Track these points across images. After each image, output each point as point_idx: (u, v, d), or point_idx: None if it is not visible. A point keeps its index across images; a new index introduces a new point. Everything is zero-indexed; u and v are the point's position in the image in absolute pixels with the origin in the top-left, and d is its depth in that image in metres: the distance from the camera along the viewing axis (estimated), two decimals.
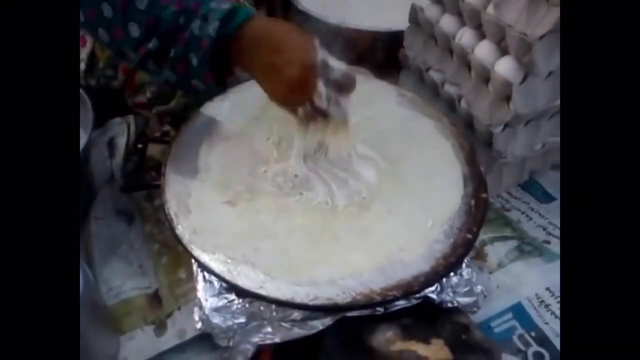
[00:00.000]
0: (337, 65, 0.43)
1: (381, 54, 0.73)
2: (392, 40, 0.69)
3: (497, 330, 0.49)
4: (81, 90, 0.57)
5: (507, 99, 0.52)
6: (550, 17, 0.46)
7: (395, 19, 0.72)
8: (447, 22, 0.59)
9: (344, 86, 0.43)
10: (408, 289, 0.39)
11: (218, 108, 0.55)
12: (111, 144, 0.64)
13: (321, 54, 0.42)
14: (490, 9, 0.52)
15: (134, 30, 0.44)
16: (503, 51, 0.53)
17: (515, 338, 0.48)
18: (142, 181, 0.53)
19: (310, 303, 0.38)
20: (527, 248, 0.55)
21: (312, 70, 0.42)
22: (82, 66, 0.65)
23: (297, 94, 0.43)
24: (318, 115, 0.44)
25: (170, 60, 0.45)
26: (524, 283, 0.52)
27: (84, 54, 0.65)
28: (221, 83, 0.47)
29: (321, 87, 0.42)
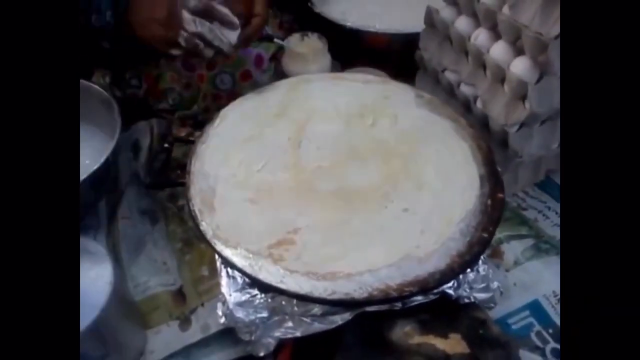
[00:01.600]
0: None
1: (397, 56, 0.74)
2: (408, 42, 0.70)
3: (514, 327, 0.49)
4: (109, 97, 0.59)
5: (523, 98, 0.53)
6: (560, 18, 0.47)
7: (410, 21, 0.73)
8: (462, 23, 0.60)
9: (203, 11, 0.51)
10: (424, 285, 0.40)
11: (240, 109, 0.56)
12: (135, 146, 0.67)
13: None
14: (505, 10, 0.53)
15: None
16: (518, 51, 0.53)
17: (532, 335, 0.49)
18: (168, 179, 0.55)
19: (328, 297, 0.39)
20: (544, 246, 0.56)
21: (173, 4, 0.50)
22: (108, 78, 0.67)
23: (166, 26, 0.50)
24: (196, 43, 0.51)
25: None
26: (541, 281, 0.52)
27: None
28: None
29: (186, 13, 0.50)
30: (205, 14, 0.52)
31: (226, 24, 0.53)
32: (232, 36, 0.54)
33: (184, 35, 0.51)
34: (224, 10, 0.53)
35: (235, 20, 0.54)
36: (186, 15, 0.50)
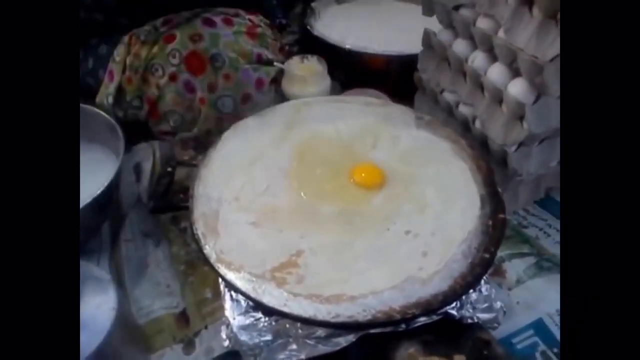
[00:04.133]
0: None
1: (396, 77, 0.75)
2: (407, 64, 0.71)
3: (519, 346, 0.49)
4: (113, 121, 0.60)
5: (521, 118, 0.53)
6: (560, 41, 0.48)
7: (409, 43, 0.74)
8: (459, 46, 0.61)
9: None
10: (427, 307, 0.40)
11: (243, 131, 0.57)
12: (137, 169, 0.67)
13: None
14: (501, 33, 0.54)
15: None
16: (515, 73, 0.54)
17: (537, 355, 0.49)
18: (171, 203, 0.55)
19: (332, 320, 0.40)
20: (546, 264, 0.56)
21: None
22: (111, 99, 0.68)
23: None
24: None
25: None
26: (544, 299, 0.52)
27: (111, 87, 0.68)
28: None
29: None
30: None
31: None
32: None
33: None
34: None
35: None
36: None
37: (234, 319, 0.42)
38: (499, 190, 0.50)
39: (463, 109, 0.62)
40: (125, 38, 0.68)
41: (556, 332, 0.50)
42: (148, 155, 0.68)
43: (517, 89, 0.53)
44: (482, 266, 0.43)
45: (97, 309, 0.42)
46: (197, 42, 0.66)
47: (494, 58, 0.57)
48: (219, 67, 0.67)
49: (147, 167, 0.67)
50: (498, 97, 0.55)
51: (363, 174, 0.51)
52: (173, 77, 0.66)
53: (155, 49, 0.66)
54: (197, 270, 0.56)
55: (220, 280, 0.45)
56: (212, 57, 0.66)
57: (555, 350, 0.49)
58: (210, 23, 0.69)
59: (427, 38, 0.66)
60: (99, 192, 0.51)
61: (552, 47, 0.49)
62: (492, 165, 0.53)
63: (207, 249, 0.45)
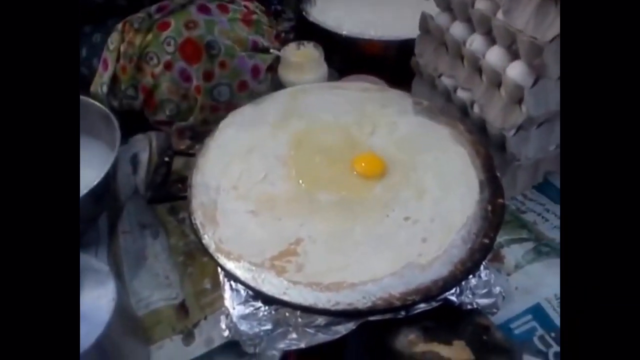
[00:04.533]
0: None
1: (393, 63, 0.75)
2: (404, 49, 0.71)
3: (517, 331, 0.49)
4: (108, 111, 0.59)
5: (519, 102, 0.53)
6: (559, 21, 0.47)
7: (406, 28, 0.73)
8: (457, 29, 0.60)
9: None
10: (427, 294, 0.40)
11: (239, 121, 0.57)
12: (134, 160, 0.67)
13: None
14: (499, 15, 0.53)
15: None
16: (514, 55, 0.54)
17: (535, 339, 0.49)
18: (169, 193, 0.55)
19: (332, 308, 0.40)
20: (544, 249, 0.56)
21: None
22: (105, 89, 0.67)
23: None
24: None
25: None
26: (542, 284, 0.52)
27: (106, 77, 0.67)
28: None
29: None
30: None
31: None
32: None
33: None
34: None
35: None
36: None
37: (234, 308, 0.42)
38: (498, 175, 0.49)
39: (461, 94, 0.61)
40: (119, 26, 0.67)
41: (554, 316, 0.50)
42: (145, 146, 0.68)
43: (515, 71, 0.52)
44: (482, 251, 0.43)
45: (96, 301, 0.41)
46: (192, 30, 0.65)
47: (492, 41, 0.56)
48: (214, 54, 0.66)
49: (144, 157, 0.66)
50: (496, 81, 0.55)
51: (364, 164, 0.50)
52: (168, 66, 0.65)
53: (150, 36, 0.65)
54: (196, 261, 0.56)
55: (219, 270, 0.45)
56: (208, 45, 0.65)
57: (553, 334, 0.49)
58: (205, 10, 0.68)
59: (424, 22, 0.65)
60: (95, 183, 0.51)
61: (551, 27, 0.48)
62: (490, 151, 0.52)
63: (206, 239, 0.45)
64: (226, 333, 0.43)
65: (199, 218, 0.46)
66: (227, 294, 0.44)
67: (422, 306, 0.42)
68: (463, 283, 0.43)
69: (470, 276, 0.44)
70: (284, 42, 0.73)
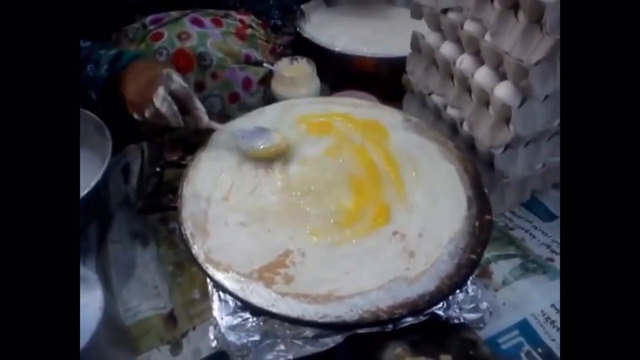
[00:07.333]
0: (178, 79, 0.53)
1: (385, 80, 0.76)
2: (395, 66, 0.72)
3: (504, 346, 0.50)
4: (100, 120, 0.59)
5: (507, 121, 0.54)
6: (544, 44, 0.48)
7: (397, 46, 0.75)
8: (447, 49, 0.62)
9: (181, 97, 0.53)
10: (413, 308, 0.41)
11: (231, 132, 0.57)
12: (126, 170, 0.67)
13: (167, 71, 0.53)
14: (487, 37, 0.55)
15: None
16: (501, 76, 0.55)
17: (522, 354, 0.49)
18: (160, 204, 0.55)
19: (320, 320, 0.40)
20: (531, 266, 0.57)
21: (155, 78, 0.52)
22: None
23: (141, 96, 0.53)
24: (160, 117, 0.52)
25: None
26: (529, 300, 0.53)
27: None
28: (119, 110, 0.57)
29: (161, 90, 0.51)
30: (181, 100, 0.53)
31: (195, 117, 0.54)
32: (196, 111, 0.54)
33: (150, 108, 0.52)
34: (200, 106, 0.54)
35: (206, 118, 0.54)
36: (161, 91, 0.51)
37: (222, 319, 0.42)
38: (486, 191, 0.50)
39: (451, 112, 0.62)
40: (114, 35, 0.68)
41: (541, 332, 0.51)
42: (137, 156, 0.68)
43: (503, 91, 0.54)
44: (469, 267, 0.43)
45: (83, 309, 0.41)
46: (185, 40, 0.66)
47: (480, 61, 0.57)
48: (206, 65, 0.66)
49: (135, 167, 0.67)
50: (485, 100, 0.56)
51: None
52: None
53: (142, 46, 0.66)
54: (185, 271, 0.56)
55: (208, 280, 0.45)
56: (200, 56, 0.66)
57: (540, 350, 0.49)
58: (198, 23, 0.69)
59: (416, 41, 0.66)
60: (85, 192, 0.51)
61: (536, 51, 0.49)
62: (479, 168, 0.53)
63: (195, 249, 0.45)
64: (214, 343, 0.43)
65: (188, 228, 0.46)
66: (216, 304, 0.43)
67: (410, 320, 0.42)
68: (450, 298, 0.44)
69: (458, 291, 0.44)
70: (280, 56, 0.74)
